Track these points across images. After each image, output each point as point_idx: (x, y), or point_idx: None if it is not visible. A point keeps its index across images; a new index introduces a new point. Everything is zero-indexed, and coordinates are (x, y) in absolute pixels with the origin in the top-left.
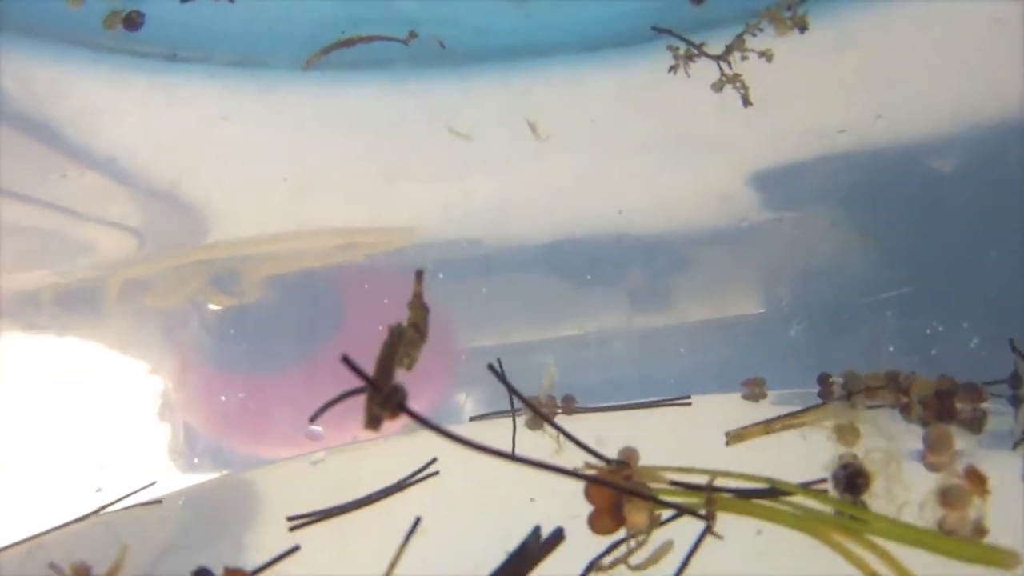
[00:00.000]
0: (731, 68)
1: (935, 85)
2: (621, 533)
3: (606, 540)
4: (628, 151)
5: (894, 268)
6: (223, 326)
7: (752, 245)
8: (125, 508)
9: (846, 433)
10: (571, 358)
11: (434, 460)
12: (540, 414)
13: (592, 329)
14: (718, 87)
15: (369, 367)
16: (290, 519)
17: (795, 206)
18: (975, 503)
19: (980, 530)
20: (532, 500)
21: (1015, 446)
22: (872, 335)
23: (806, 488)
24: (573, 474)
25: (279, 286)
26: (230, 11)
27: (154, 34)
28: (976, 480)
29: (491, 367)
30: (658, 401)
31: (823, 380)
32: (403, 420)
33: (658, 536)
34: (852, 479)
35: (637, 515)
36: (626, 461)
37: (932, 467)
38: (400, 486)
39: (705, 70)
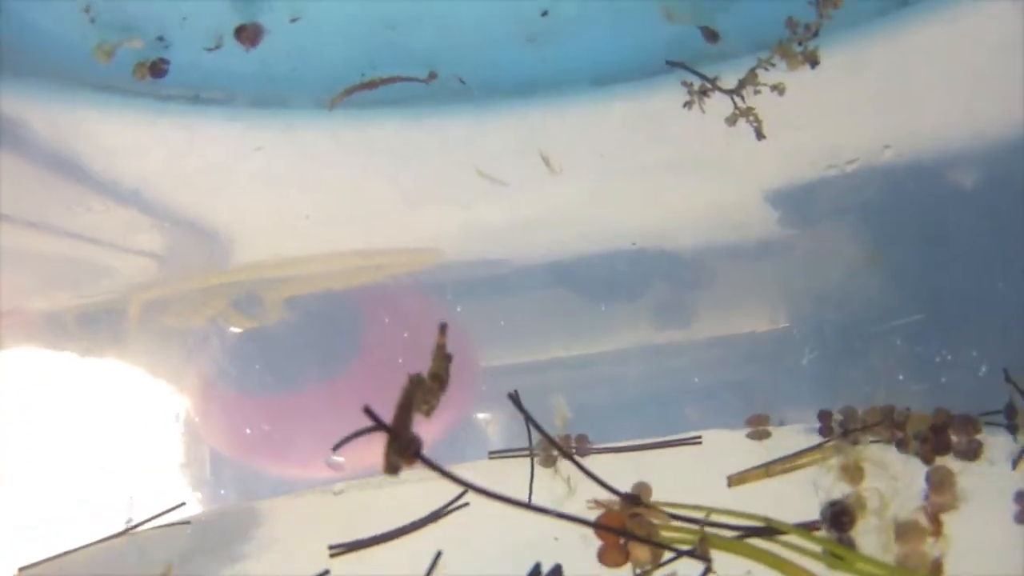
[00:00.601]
0: (744, 102)
1: (942, 113)
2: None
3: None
4: (640, 175)
5: (904, 296)
6: (244, 348)
7: (763, 270)
8: (152, 528)
9: (851, 471)
10: (584, 378)
11: (465, 491)
12: (561, 450)
13: (606, 349)
14: (732, 121)
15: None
16: (331, 547)
17: (806, 231)
18: (929, 541)
19: (937, 568)
20: (556, 539)
21: (1014, 466)
22: (882, 363)
23: (800, 527)
24: (579, 520)
25: (300, 307)
26: (252, 55)
27: (178, 78)
28: (934, 520)
29: (511, 397)
30: (670, 441)
31: (824, 417)
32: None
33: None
34: (837, 517)
35: (640, 551)
36: (638, 495)
37: (936, 507)
38: (434, 516)
39: (718, 100)
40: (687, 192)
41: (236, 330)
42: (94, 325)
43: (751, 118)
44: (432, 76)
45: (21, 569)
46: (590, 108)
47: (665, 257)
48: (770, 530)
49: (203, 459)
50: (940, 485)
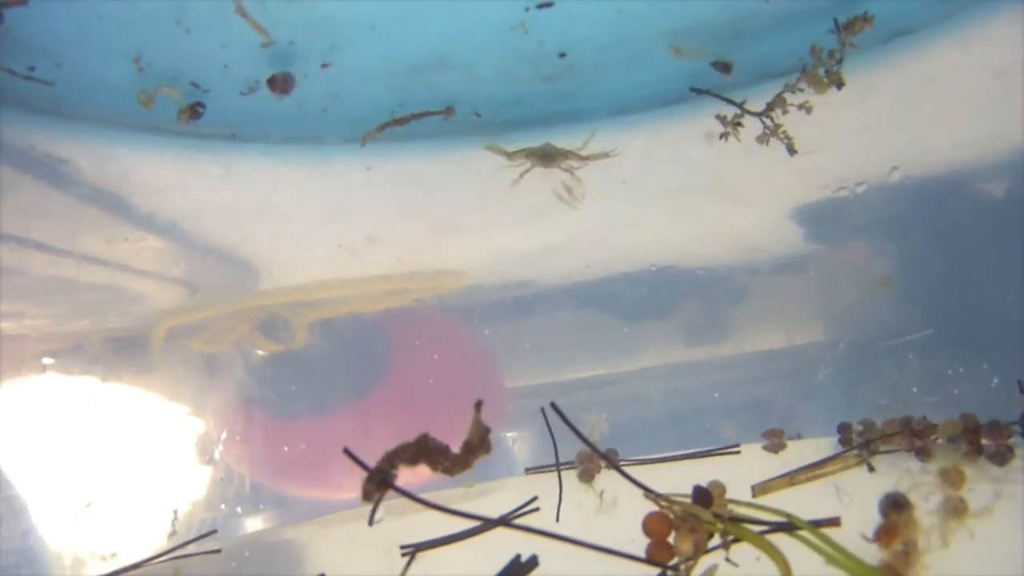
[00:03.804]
0: (773, 122)
1: (949, 135)
2: None
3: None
4: (660, 199)
5: (915, 311)
6: (271, 371)
7: (779, 290)
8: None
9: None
10: (608, 397)
11: (535, 498)
12: (608, 460)
13: (628, 369)
14: (764, 140)
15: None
16: (403, 547)
17: (819, 252)
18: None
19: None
20: None
21: None
22: (896, 378)
23: (814, 524)
24: (625, 556)
25: (327, 331)
26: (285, 99)
27: (215, 118)
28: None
29: (552, 405)
30: (709, 451)
31: (843, 429)
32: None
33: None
34: (891, 508)
35: (684, 542)
36: (710, 492)
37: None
38: (502, 521)
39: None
40: (705, 215)
41: (262, 353)
42: (120, 350)
43: (781, 135)
44: (449, 111)
45: None
46: (610, 138)
47: (685, 279)
48: (789, 526)
49: (231, 483)
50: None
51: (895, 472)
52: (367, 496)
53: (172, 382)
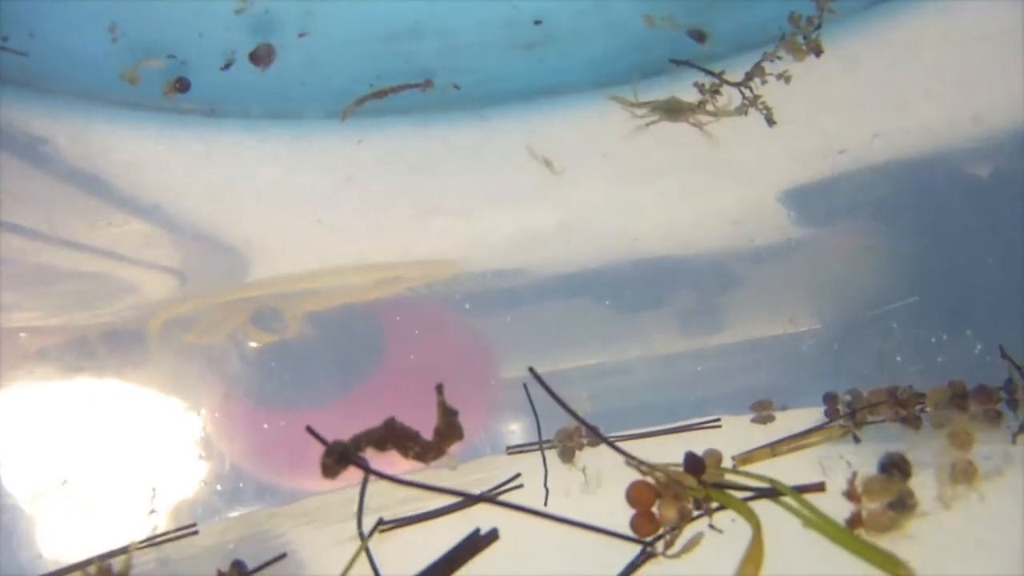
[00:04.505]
0: (752, 92)
1: (932, 104)
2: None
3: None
4: (642, 180)
5: (899, 280)
6: (264, 362)
7: (763, 265)
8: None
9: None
10: (594, 385)
11: (518, 475)
12: (596, 431)
13: (616, 356)
14: (743, 110)
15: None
16: (381, 523)
17: (805, 227)
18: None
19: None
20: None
21: (1014, 439)
22: (880, 347)
23: (798, 489)
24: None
25: (320, 322)
26: (264, 72)
27: (195, 94)
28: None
29: (532, 371)
30: (689, 425)
31: (829, 399)
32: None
33: None
34: (889, 467)
35: (669, 510)
36: (703, 460)
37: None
38: (483, 497)
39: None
40: (692, 196)
41: (255, 345)
42: (114, 342)
43: (760, 105)
44: (428, 84)
45: None
46: (592, 111)
47: (672, 262)
48: (773, 491)
49: (224, 475)
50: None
51: (882, 445)
52: (327, 471)
53: (166, 375)
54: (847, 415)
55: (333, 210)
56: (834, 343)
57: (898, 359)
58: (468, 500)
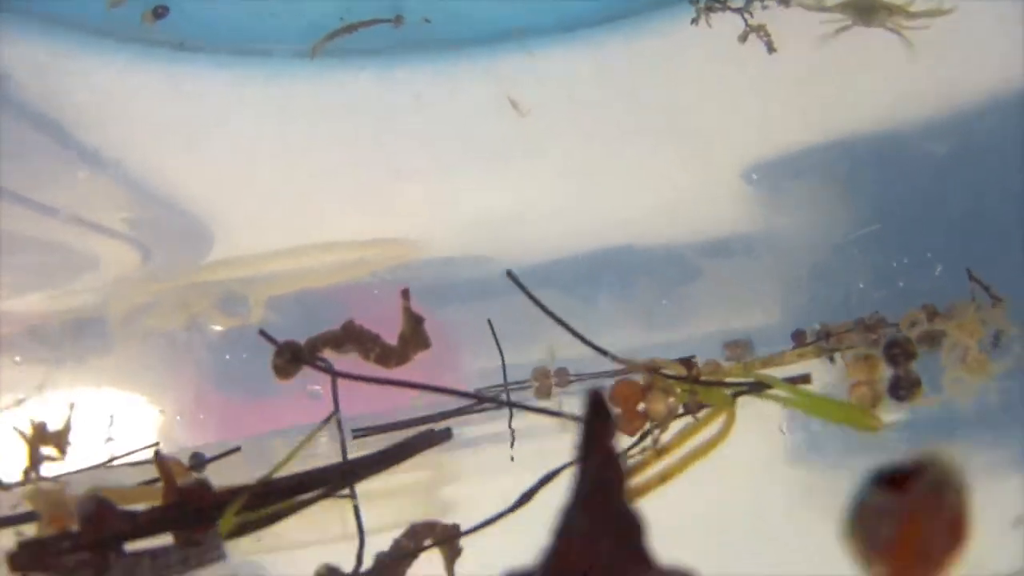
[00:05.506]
0: (752, 17)
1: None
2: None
3: None
4: (615, 142)
5: (860, 208)
6: (227, 347)
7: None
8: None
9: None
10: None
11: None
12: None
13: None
14: (743, 37)
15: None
16: (354, 431)
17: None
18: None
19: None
20: None
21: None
22: (844, 276)
23: (788, 381)
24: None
25: (282, 305)
26: (235, 3)
27: (167, 23)
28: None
29: (510, 274)
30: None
31: (797, 336)
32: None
33: None
34: (891, 348)
35: (658, 403)
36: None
37: None
38: (459, 411)
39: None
40: (659, 182)
41: (219, 329)
42: (77, 327)
43: (761, 33)
44: (399, 19)
45: None
46: (560, 54)
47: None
48: (760, 385)
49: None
50: None
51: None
52: (280, 372)
53: (130, 360)
54: (817, 339)
55: (298, 170)
56: (802, 279)
57: (860, 286)
58: (445, 414)
